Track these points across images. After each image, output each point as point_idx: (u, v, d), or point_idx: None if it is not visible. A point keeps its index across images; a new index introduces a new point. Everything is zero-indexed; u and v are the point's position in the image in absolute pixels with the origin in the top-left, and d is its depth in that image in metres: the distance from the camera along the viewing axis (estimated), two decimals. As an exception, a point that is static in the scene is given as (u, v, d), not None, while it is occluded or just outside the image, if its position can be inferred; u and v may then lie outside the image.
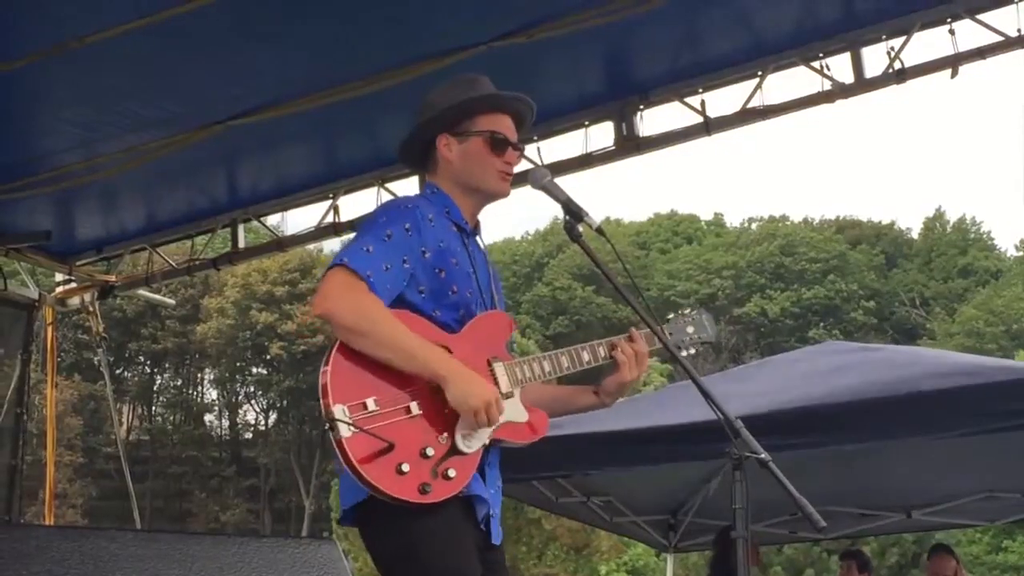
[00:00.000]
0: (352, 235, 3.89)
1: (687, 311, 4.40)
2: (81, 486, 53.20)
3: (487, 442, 3.68)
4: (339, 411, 3.41)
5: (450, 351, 3.67)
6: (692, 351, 4.27)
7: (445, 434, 3.56)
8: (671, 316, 4.36)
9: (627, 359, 4.02)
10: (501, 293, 4.20)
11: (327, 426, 3.41)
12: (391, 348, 3.53)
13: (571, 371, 4.02)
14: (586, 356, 4.04)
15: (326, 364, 3.51)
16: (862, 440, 7.57)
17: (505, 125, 4.04)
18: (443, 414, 3.58)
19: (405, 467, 3.42)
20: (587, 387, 4.18)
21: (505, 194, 4.06)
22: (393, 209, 3.86)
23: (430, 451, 3.50)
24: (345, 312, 3.54)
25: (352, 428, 3.39)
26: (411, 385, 3.57)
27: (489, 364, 3.81)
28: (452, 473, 3.52)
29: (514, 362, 3.87)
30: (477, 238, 4.10)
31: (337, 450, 3.40)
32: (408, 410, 3.53)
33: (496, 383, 3.76)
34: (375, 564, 3.66)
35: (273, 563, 7.30)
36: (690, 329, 4.33)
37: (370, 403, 3.47)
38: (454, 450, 3.56)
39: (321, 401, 3.45)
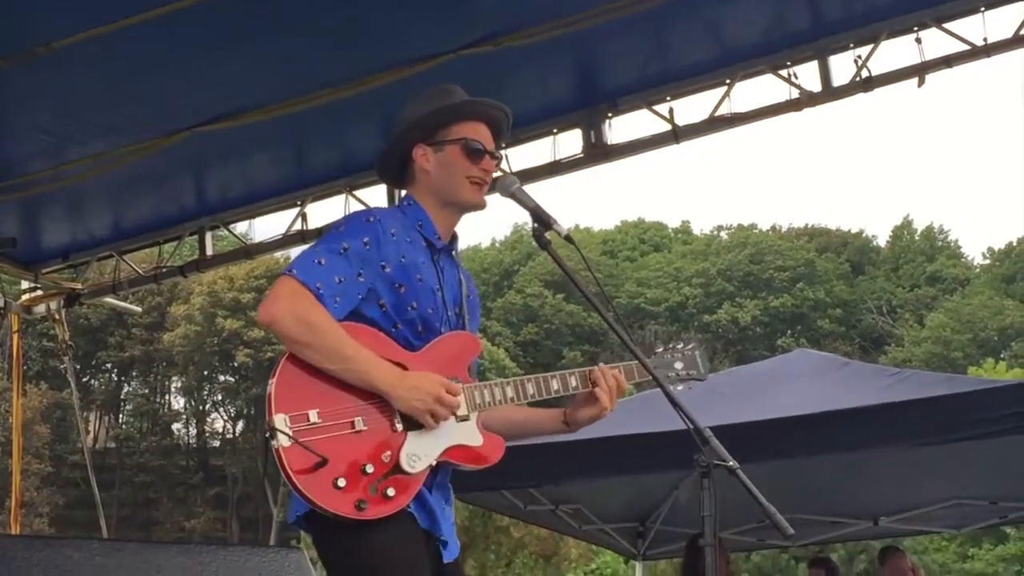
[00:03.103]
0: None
1: (679, 345, 4.32)
2: (48, 494, 52.95)
3: (434, 463, 3.63)
4: (280, 420, 3.38)
5: (406, 369, 3.63)
6: (679, 387, 4.11)
7: (389, 452, 3.51)
8: (659, 349, 4.27)
9: (606, 393, 3.98)
10: (476, 308, 4.16)
11: (267, 434, 3.39)
12: (333, 359, 3.49)
13: (536, 399, 3.96)
14: (555, 385, 3.98)
15: (273, 374, 3.48)
16: (830, 451, 7.61)
17: (481, 133, 4.02)
18: (389, 432, 3.55)
19: (341, 482, 3.38)
20: (556, 412, 4.12)
21: (481, 205, 4.01)
22: (353, 222, 3.80)
23: (370, 468, 3.45)
24: (289, 321, 3.49)
25: (290, 439, 3.36)
26: (360, 399, 3.53)
27: None
28: (391, 492, 3.47)
29: (473, 386, 3.80)
30: (453, 254, 4.05)
31: (276, 460, 3.37)
32: (352, 424, 3.49)
33: None
34: (327, 573, 3.62)
35: (240, 572, 7.27)
36: (678, 364, 4.24)
37: (312, 415, 3.43)
38: (397, 469, 3.51)
39: (266, 410, 3.43)
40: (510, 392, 3.88)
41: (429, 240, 3.91)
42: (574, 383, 4.01)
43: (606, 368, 4.05)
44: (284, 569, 7.53)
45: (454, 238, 4.05)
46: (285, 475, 3.36)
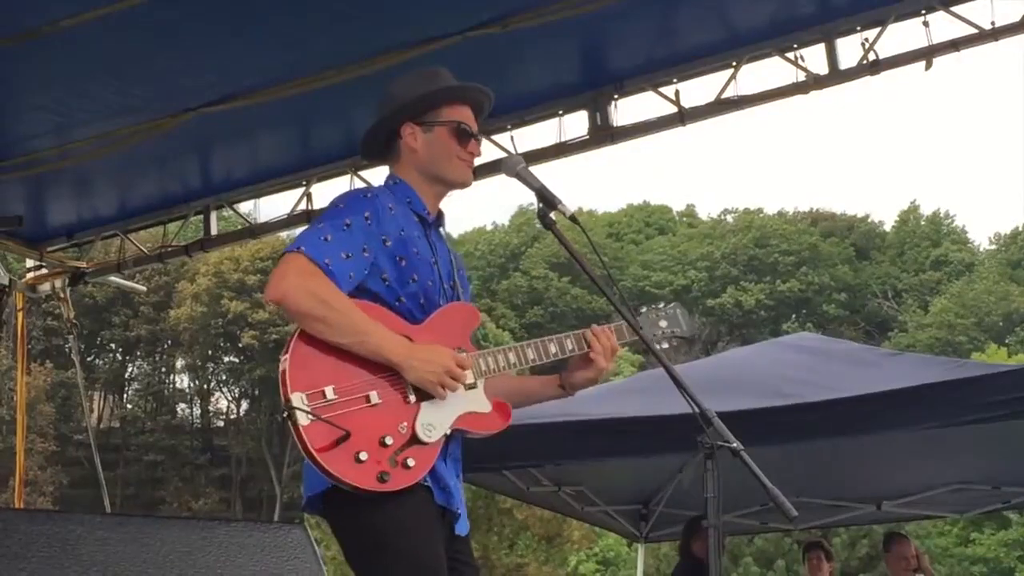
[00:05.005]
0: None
1: (661, 305, 4.44)
2: (52, 473, 52.93)
3: (449, 432, 3.69)
4: (297, 399, 3.42)
5: (412, 341, 3.67)
6: (664, 345, 4.25)
7: (405, 423, 3.57)
8: (644, 310, 4.36)
9: (600, 354, 4.06)
10: (467, 283, 4.22)
11: (285, 414, 3.42)
12: (345, 333, 3.53)
13: (536, 363, 4.03)
14: (553, 348, 4.06)
15: (286, 352, 3.52)
16: (834, 435, 7.60)
17: (466, 115, 4.10)
18: (404, 403, 3.60)
19: (363, 455, 3.43)
20: (552, 378, 4.20)
21: (468, 182, 4.11)
22: (353, 199, 3.88)
23: (389, 440, 3.50)
24: (300, 297, 3.53)
25: (310, 416, 3.40)
26: (371, 374, 3.58)
27: None
28: (411, 462, 3.53)
29: (478, 353, 3.88)
30: (440, 229, 4.12)
31: (296, 438, 3.41)
32: (367, 399, 3.54)
33: None
34: (343, 552, 3.66)
35: (242, 547, 7.29)
36: (663, 323, 4.35)
37: (328, 391, 3.47)
38: (414, 439, 3.57)
39: (280, 389, 3.46)
40: (512, 358, 3.96)
41: (420, 215, 3.98)
42: (570, 346, 4.09)
43: (599, 329, 4.13)
44: (286, 545, 7.55)
45: (441, 214, 4.13)
46: (306, 453, 3.39)
